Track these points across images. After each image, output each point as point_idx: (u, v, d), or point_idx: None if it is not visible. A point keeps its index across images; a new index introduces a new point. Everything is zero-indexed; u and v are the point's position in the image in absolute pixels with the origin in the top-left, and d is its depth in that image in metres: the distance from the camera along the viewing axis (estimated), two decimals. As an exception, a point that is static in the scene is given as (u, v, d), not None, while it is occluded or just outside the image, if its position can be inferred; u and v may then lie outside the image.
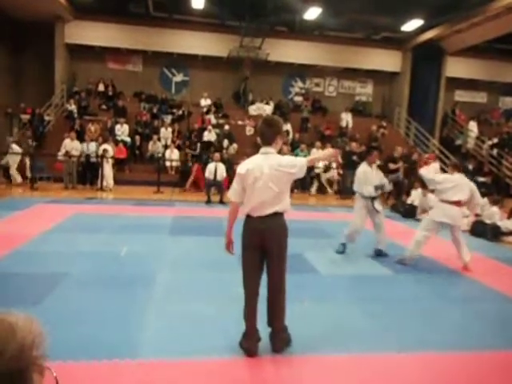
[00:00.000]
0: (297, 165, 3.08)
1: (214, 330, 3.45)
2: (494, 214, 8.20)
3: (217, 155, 11.32)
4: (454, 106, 19.24)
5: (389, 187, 6.53)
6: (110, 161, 12.18)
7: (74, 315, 3.57)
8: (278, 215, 3.09)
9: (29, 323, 0.84)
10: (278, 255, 3.11)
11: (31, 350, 0.81)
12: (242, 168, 3.10)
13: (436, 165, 12.48)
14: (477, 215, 8.76)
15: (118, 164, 13.15)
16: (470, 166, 15.67)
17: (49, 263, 5.03)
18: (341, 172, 13.36)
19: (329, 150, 4.31)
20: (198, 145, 14.07)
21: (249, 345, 3.08)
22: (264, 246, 3.05)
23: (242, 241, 3.12)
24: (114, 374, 2.74)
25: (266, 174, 3.00)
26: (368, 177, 6.18)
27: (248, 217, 3.11)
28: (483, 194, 11.23)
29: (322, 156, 4.16)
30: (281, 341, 3.16)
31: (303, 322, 3.70)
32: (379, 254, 6.15)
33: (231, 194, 3.18)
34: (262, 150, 3.12)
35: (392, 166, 11.97)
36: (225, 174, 10.96)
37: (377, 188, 6.12)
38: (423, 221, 6.04)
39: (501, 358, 3.27)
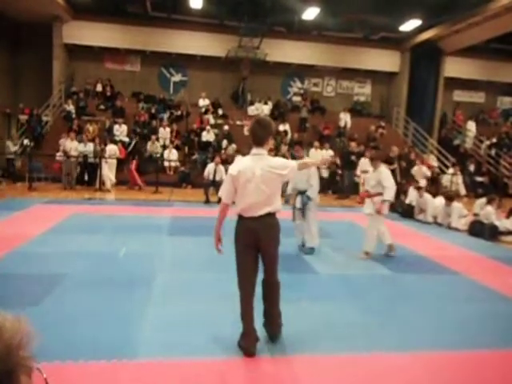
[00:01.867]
0: (288, 167, 3.15)
1: (212, 330, 3.45)
2: (489, 214, 8.21)
3: (218, 159, 11.29)
4: (456, 106, 19.26)
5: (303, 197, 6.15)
6: (114, 161, 12.17)
7: (72, 316, 3.57)
8: (271, 215, 3.12)
9: (16, 324, 0.82)
10: (273, 254, 3.17)
11: (18, 350, 0.79)
12: (233, 169, 3.12)
13: (424, 169, 12.48)
14: (475, 215, 8.77)
15: (117, 164, 13.12)
16: (472, 167, 15.68)
17: (47, 264, 5.02)
18: (339, 172, 13.37)
19: (322, 157, 4.32)
20: (135, 138, 13.68)
21: (247, 345, 3.09)
22: (258, 245, 3.09)
23: (236, 241, 3.16)
24: (113, 375, 2.74)
25: (258, 175, 3.03)
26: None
27: (240, 217, 3.15)
28: (481, 194, 11.30)
29: (313, 161, 4.18)
30: (277, 326, 3.27)
31: (302, 322, 3.70)
32: (302, 250, 6.21)
33: (222, 194, 3.20)
34: (254, 151, 3.14)
35: (389, 167, 11.98)
36: (224, 177, 10.86)
37: (286, 196, 6.03)
38: (380, 220, 6.05)
39: (498, 356, 3.27)
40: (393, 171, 11.87)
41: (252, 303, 3.16)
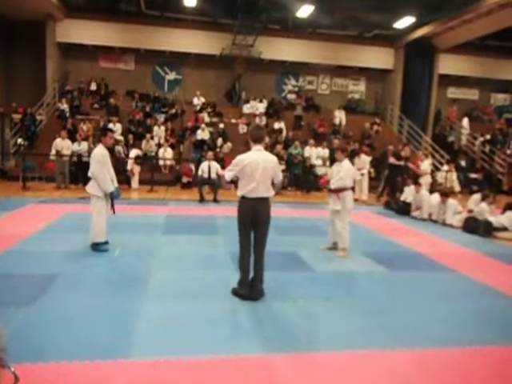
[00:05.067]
0: (278, 167, 4.23)
1: (208, 328, 3.44)
2: (484, 211, 8.25)
3: (210, 154, 11.31)
4: (452, 102, 19.32)
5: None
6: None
7: (67, 315, 3.55)
8: (267, 198, 4.10)
9: None
10: (266, 224, 4.10)
11: None
12: (242, 160, 4.04)
13: (427, 162, 12.57)
14: (469, 211, 8.81)
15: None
16: (463, 163, 15.79)
17: (42, 263, 4.99)
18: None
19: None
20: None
21: (244, 291, 4.08)
22: (256, 218, 4.03)
23: (239, 214, 4.08)
24: (108, 375, 2.73)
25: (261, 166, 4.00)
26: (107, 160, 5.59)
27: (244, 198, 4.06)
28: (475, 191, 11.35)
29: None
30: (259, 291, 4.11)
31: (299, 321, 3.71)
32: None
33: (227, 175, 4.16)
34: (256, 147, 4.13)
35: (392, 160, 11.95)
36: (220, 171, 10.84)
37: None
38: (346, 215, 6.00)
39: (493, 353, 3.29)
40: (399, 167, 11.87)
41: (249, 258, 4.12)
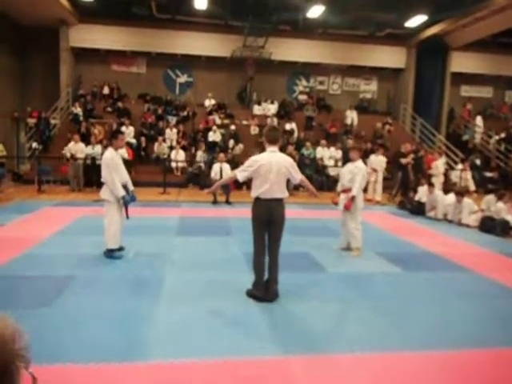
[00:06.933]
0: (295, 168, 4.20)
1: (222, 330, 3.44)
2: (501, 210, 8.11)
3: (222, 156, 11.35)
4: (467, 100, 19.06)
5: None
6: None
7: (83, 317, 3.58)
8: (281, 199, 4.10)
9: (2, 319, 0.86)
10: (281, 225, 4.11)
11: (13, 343, 0.83)
12: (257, 161, 4.05)
13: (441, 161, 12.43)
14: (481, 210, 8.66)
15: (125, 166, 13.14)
16: (478, 161, 15.56)
17: (57, 266, 5.04)
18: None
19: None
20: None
21: (259, 293, 4.08)
22: (270, 219, 4.03)
23: (254, 215, 4.10)
24: (123, 377, 2.74)
25: (275, 167, 4.01)
26: (118, 163, 5.47)
27: (258, 199, 4.06)
28: (490, 190, 11.17)
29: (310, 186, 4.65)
30: (273, 292, 4.11)
31: (314, 322, 3.68)
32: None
33: (240, 175, 4.16)
34: (271, 148, 4.13)
35: (403, 160, 11.88)
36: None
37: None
38: (358, 214, 5.96)
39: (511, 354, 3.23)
40: (405, 166, 11.78)
41: (263, 259, 4.12)
